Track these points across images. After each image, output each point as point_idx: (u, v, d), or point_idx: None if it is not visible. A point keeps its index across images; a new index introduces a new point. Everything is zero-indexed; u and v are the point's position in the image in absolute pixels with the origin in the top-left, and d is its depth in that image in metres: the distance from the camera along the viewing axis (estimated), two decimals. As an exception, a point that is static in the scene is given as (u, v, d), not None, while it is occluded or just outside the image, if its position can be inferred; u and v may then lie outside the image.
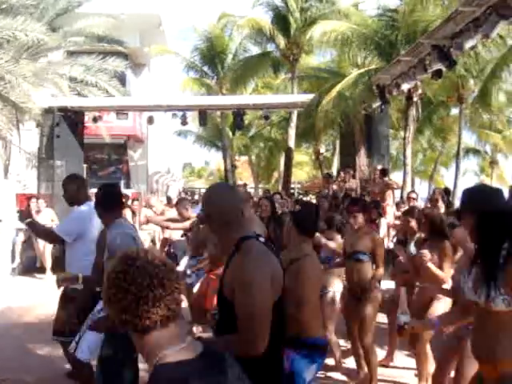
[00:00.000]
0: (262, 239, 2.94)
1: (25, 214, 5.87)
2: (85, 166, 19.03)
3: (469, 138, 35.30)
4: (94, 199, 4.93)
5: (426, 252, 5.72)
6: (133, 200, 15.32)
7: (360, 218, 6.48)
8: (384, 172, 14.03)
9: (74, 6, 18.89)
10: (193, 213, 8.70)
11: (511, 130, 35.17)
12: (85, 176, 18.32)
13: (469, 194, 3.49)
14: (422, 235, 6.70)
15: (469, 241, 4.39)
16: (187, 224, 8.52)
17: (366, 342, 6.02)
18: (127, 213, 15.32)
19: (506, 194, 12.46)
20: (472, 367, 4.17)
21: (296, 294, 3.87)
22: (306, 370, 3.80)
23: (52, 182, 17.18)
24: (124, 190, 19.92)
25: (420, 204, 13.98)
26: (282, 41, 23.83)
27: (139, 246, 4.37)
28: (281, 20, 24.09)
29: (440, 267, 5.78)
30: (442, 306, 5.77)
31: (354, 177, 17.03)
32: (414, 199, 12.51)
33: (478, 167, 43.66)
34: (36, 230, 6.04)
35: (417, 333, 5.16)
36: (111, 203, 4.61)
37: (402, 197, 15.69)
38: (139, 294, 1.76)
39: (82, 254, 5.42)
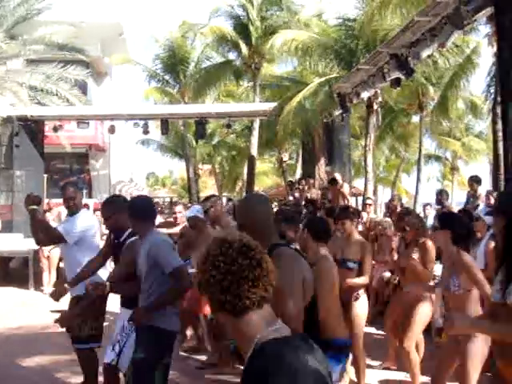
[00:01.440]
0: (292, 246, 3.11)
1: (32, 199, 5.55)
2: (45, 176, 18.76)
3: (430, 145, 35.87)
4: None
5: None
6: (94, 210, 15.17)
7: (348, 224, 6.60)
8: (334, 182, 14.08)
9: (34, 13, 18.63)
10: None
11: (470, 137, 35.83)
12: (45, 186, 18.11)
13: (502, 197, 3.61)
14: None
15: (450, 243, 4.57)
16: (177, 229, 8.62)
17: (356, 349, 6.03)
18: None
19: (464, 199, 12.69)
20: (476, 371, 4.40)
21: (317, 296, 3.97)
22: (334, 370, 3.85)
23: (11, 193, 16.91)
24: (86, 200, 19.75)
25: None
26: (243, 49, 23.89)
27: (177, 254, 4.50)
28: (242, 28, 24.15)
29: (423, 266, 6.07)
30: (425, 308, 6.09)
31: (314, 185, 17.13)
32: (369, 205, 12.65)
33: (439, 173, 44.32)
34: (35, 220, 5.66)
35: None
36: (145, 214, 4.60)
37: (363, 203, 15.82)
38: (240, 274, 1.82)
39: (81, 258, 5.53)
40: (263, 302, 1.87)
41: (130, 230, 4.98)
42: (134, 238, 4.90)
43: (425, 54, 11.16)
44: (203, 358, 7.47)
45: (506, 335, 3.08)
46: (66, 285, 5.19)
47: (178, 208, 9.83)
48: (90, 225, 5.84)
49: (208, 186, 45.39)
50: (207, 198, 7.73)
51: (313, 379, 1.74)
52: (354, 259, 6.39)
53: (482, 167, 36.78)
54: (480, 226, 7.23)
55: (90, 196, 25.87)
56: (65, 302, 5.57)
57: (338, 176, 13.51)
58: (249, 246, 1.89)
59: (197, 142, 29.88)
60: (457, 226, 4.77)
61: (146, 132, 20.49)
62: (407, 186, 43.39)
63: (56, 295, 5.14)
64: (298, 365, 1.74)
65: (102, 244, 5.74)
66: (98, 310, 5.46)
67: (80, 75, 18.92)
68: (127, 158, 35.73)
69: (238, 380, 1.89)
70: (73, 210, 5.87)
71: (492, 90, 21.91)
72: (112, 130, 20.22)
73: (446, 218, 5.09)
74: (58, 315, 5.20)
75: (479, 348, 4.45)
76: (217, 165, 39.34)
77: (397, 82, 13.10)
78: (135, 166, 41.48)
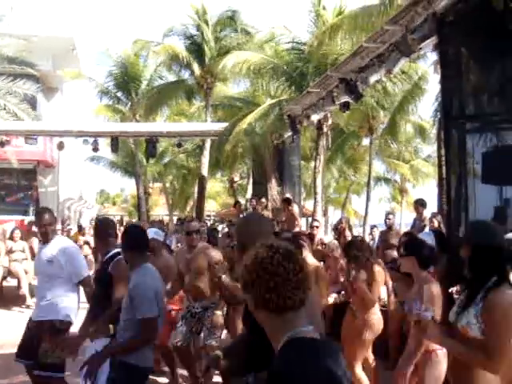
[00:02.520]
0: None
1: None
2: (-9, 191, 18.37)
3: (379, 167, 36.47)
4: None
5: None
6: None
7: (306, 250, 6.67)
8: (288, 201, 14.19)
9: (-16, 25, 18.35)
10: None
11: (418, 160, 36.56)
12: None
13: (470, 226, 3.76)
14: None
15: (417, 268, 4.81)
16: None
17: None
18: (34, 241, 14.90)
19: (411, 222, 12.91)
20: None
21: None
22: None
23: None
24: (32, 218, 19.32)
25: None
26: (196, 69, 23.91)
27: (154, 301, 4.29)
28: (196, 48, 24.20)
29: (369, 290, 6.12)
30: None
31: (266, 207, 17.17)
32: (316, 227, 12.72)
33: (389, 195, 45.04)
34: None
35: None
36: (139, 245, 4.49)
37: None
38: (286, 276, 2.02)
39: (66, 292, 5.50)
40: (301, 305, 2.07)
41: (113, 252, 4.94)
42: (121, 257, 4.84)
43: (373, 79, 11.39)
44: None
45: (466, 356, 3.23)
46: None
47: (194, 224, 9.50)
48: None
49: (159, 205, 45.05)
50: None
51: (326, 378, 1.92)
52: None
53: (430, 190, 37.55)
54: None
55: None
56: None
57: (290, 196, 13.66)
58: (293, 252, 2.11)
59: (147, 160, 29.67)
60: (422, 251, 4.86)
61: (95, 149, 20.28)
62: (357, 207, 43.97)
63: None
64: (313, 363, 1.93)
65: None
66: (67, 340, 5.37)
67: (30, 90, 18.63)
68: (77, 175, 35.15)
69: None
70: (49, 237, 5.68)
71: (439, 116, 22.57)
72: (61, 146, 19.96)
73: (410, 245, 5.22)
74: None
75: (437, 372, 4.60)
76: (168, 183, 39.16)
77: (345, 106, 13.32)
78: (85, 183, 40.77)
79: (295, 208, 13.46)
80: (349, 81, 11.73)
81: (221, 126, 20.12)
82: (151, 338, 4.22)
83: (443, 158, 11.89)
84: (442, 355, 4.77)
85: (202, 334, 6.71)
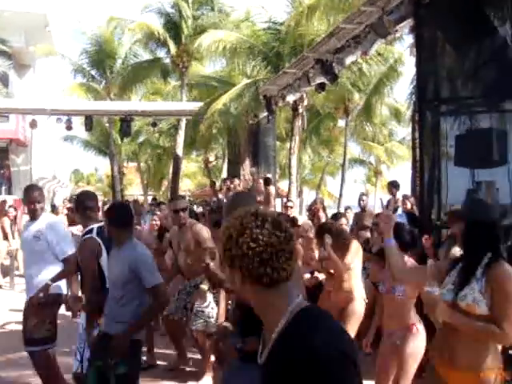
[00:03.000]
0: None
1: None
2: (-38, 170, 18.09)
3: (354, 149, 36.61)
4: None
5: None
6: (9, 206, 14.67)
7: None
8: (267, 181, 14.20)
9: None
10: None
11: (393, 142, 36.77)
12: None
13: (464, 203, 3.81)
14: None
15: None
16: None
17: None
18: (5, 220, 14.74)
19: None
20: (413, 371, 4.62)
21: None
22: None
23: None
24: (5, 197, 19.11)
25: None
26: (172, 47, 23.64)
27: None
28: (172, 26, 23.89)
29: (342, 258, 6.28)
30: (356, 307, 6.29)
31: (239, 185, 17.15)
32: (290, 208, 12.76)
33: (364, 177, 45.32)
34: None
35: None
36: (124, 221, 4.48)
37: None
38: (279, 246, 1.85)
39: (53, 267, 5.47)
40: (291, 275, 1.92)
41: (88, 228, 4.90)
42: (89, 237, 4.81)
43: (349, 60, 11.39)
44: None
45: (479, 330, 3.27)
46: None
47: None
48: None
49: (133, 184, 44.75)
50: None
51: (351, 347, 1.85)
52: None
53: (404, 172, 37.89)
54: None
55: (9, 192, 25.00)
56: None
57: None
58: (281, 219, 1.94)
59: (122, 139, 29.41)
60: (401, 235, 4.89)
61: (69, 128, 20.05)
62: (332, 188, 44.16)
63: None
64: (334, 326, 1.89)
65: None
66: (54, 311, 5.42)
67: (1, 66, 18.34)
68: (50, 154, 34.74)
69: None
70: (37, 213, 5.63)
71: (414, 98, 22.67)
72: (34, 124, 19.72)
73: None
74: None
75: (417, 348, 4.68)
76: (142, 163, 38.88)
77: (321, 87, 13.30)
78: (59, 162, 40.36)
79: (272, 189, 13.50)
80: (325, 62, 11.71)
81: (196, 106, 20.01)
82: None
83: (417, 141, 11.99)
84: (421, 330, 4.88)
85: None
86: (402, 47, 19.90)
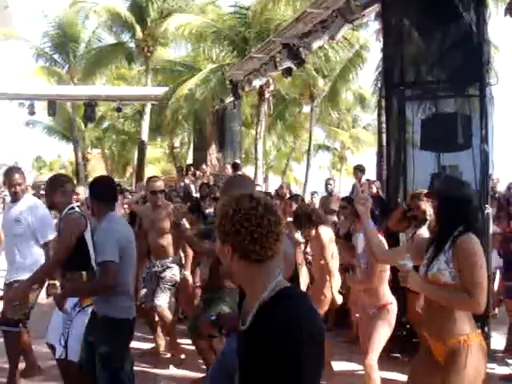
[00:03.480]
0: None
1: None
2: None
3: (319, 135, 36.82)
4: None
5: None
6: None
7: None
8: (235, 166, 14.23)
9: None
10: None
11: (357, 128, 37.10)
12: None
13: (435, 181, 3.90)
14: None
15: None
16: None
17: None
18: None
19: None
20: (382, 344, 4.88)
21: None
22: None
23: None
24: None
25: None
26: (137, 31, 23.34)
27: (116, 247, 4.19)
28: (137, 9, 23.58)
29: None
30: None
31: (205, 173, 17.14)
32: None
33: (329, 162, 45.61)
34: None
35: None
36: (104, 195, 4.43)
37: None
38: (269, 228, 2.06)
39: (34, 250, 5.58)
40: (276, 255, 2.12)
41: (68, 207, 4.79)
42: (74, 211, 4.72)
43: (316, 45, 11.38)
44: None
45: (449, 299, 3.42)
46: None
47: (80, 190, 8.85)
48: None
49: (97, 171, 44.31)
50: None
51: (320, 327, 2.07)
52: None
53: (369, 158, 38.22)
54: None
55: (-30, 179, 24.51)
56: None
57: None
58: (273, 204, 2.15)
59: (86, 125, 29.07)
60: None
61: (31, 113, 19.81)
62: (297, 174, 44.35)
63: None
64: (309, 306, 2.08)
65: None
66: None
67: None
68: (11, 140, 34.21)
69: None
70: (19, 196, 5.61)
71: (380, 85, 22.84)
72: (-6, 109, 19.34)
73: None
74: None
75: (390, 325, 4.95)
76: (106, 149, 38.48)
77: (288, 72, 13.33)
78: (21, 148, 39.66)
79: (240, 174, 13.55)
80: (292, 46, 11.71)
81: (161, 91, 19.91)
82: (110, 284, 4.10)
83: (383, 126, 12.13)
84: (394, 309, 5.09)
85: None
86: (367, 33, 19.93)
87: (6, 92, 18.54)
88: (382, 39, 11.89)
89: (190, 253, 7.02)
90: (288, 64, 12.65)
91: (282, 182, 13.51)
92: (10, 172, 5.68)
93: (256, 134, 18.11)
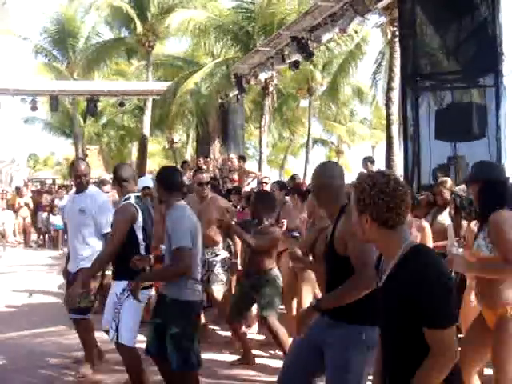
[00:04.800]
0: None
1: None
2: None
3: (316, 129, 36.88)
4: None
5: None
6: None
7: None
8: (242, 159, 14.35)
9: None
10: None
11: (353, 122, 37.22)
12: None
13: (474, 167, 4.27)
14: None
15: None
16: None
17: None
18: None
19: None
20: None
21: None
22: None
23: None
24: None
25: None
26: (138, 26, 23.28)
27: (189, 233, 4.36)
28: (138, 5, 23.47)
29: None
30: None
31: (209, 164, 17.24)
32: (266, 184, 12.91)
33: (325, 156, 45.65)
34: None
35: None
36: (172, 185, 4.52)
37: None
38: (401, 197, 2.43)
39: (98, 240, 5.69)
40: (406, 220, 2.52)
41: (125, 197, 4.97)
42: (126, 202, 4.88)
43: (325, 38, 11.54)
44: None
45: (493, 271, 3.71)
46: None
47: (107, 188, 8.81)
48: None
49: (94, 167, 44.23)
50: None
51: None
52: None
53: (365, 151, 38.33)
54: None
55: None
56: None
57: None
58: (399, 178, 2.53)
59: (85, 120, 29.05)
60: None
61: (34, 108, 19.79)
62: (294, 168, 44.40)
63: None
64: (438, 259, 2.49)
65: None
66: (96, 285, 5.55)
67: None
68: (10, 137, 34.19)
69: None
70: (84, 187, 5.68)
71: (378, 78, 23.00)
72: (-5, 106, 19.36)
73: None
74: None
75: None
76: (104, 145, 38.42)
77: (295, 65, 13.47)
78: (18, 145, 39.63)
79: (246, 166, 13.70)
80: (300, 39, 11.84)
81: (164, 85, 19.93)
82: (185, 267, 4.26)
83: (391, 117, 12.30)
84: None
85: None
86: (367, 26, 20.02)
87: (7, 87, 18.53)
88: (390, 31, 12.09)
89: (238, 241, 7.12)
90: (296, 57, 12.79)
91: (294, 175, 13.61)
92: (76, 163, 5.81)
93: (260, 127, 18.23)
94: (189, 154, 31.91)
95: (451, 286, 2.42)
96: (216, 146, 19.49)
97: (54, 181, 43.44)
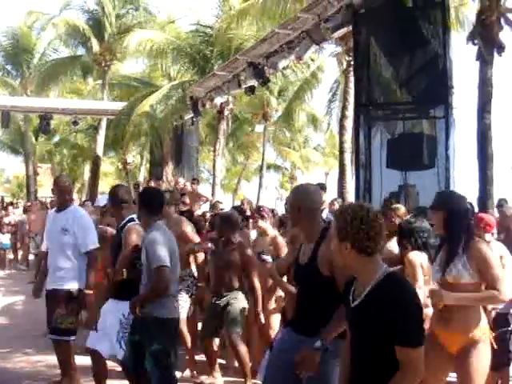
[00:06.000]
0: None
1: None
2: None
3: (270, 155, 37.12)
4: None
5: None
6: None
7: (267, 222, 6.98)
8: (196, 181, 14.33)
9: None
10: None
11: (307, 149, 37.59)
12: None
13: (441, 195, 4.33)
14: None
15: None
16: None
17: None
18: None
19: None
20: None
21: None
22: None
23: None
24: None
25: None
26: (94, 45, 23.12)
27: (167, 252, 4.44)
28: (95, 24, 23.38)
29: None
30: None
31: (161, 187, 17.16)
32: (221, 210, 12.92)
33: (278, 182, 45.88)
34: None
35: None
36: (151, 205, 4.59)
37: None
38: (379, 228, 2.68)
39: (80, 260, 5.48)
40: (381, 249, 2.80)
41: (127, 218, 5.02)
42: (132, 223, 4.93)
43: (282, 64, 11.71)
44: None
45: (477, 299, 3.87)
46: None
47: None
48: None
49: (45, 186, 43.44)
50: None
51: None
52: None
53: (318, 178, 38.67)
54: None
55: None
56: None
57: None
58: (376, 212, 2.78)
59: (37, 138, 28.60)
60: None
61: (-14, 124, 19.44)
62: (246, 192, 44.49)
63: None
64: (411, 287, 2.78)
65: None
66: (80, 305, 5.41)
67: None
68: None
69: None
70: (67, 204, 5.50)
71: (333, 106, 23.37)
72: None
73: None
74: None
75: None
76: (56, 164, 37.82)
77: (251, 90, 13.59)
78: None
79: (198, 189, 13.68)
80: (257, 65, 11.97)
81: (119, 106, 19.84)
82: (165, 287, 4.37)
83: (345, 145, 12.50)
84: None
85: None
86: (323, 55, 20.40)
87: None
88: (346, 61, 12.35)
89: (202, 264, 7.00)
90: (252, 82, 12.91)
91: (244, 199, 13.65)
92: (60, 179, 5.72)
93: (215, 151, 18.27)
94: (142, 175, 31.72)
95: (422, 309, 2.66)
96: (169, 169, 19.45)
97: (2, 198, 42.42)
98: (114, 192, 5.26)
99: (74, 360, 5.52)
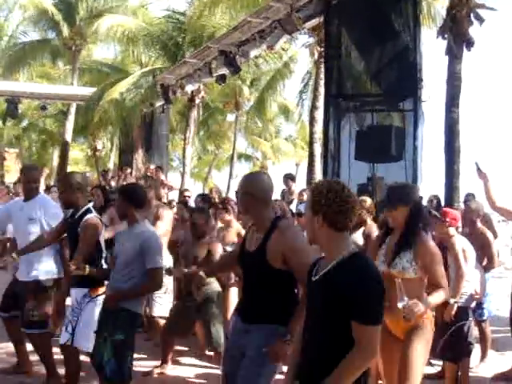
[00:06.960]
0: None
1: None
2: None
3: (241, 144, 37.07)
4: None
5: None
6: None
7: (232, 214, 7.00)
8: (160, 169, 14.22)
9: None
10: None
11: (278, 139, 37.62)
12: None
13: (398, 190, 4.22)
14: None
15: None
16: None
17: None
18: None
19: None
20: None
21: None
22: None
23: None
24: None
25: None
26: (64, 29, 22.71)
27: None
28: (66, 7, 22.90)
29: None
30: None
31: (130, 174, 17.00)
32: (188, 197, 12.86)
33: (248, 171, 45.85)
34: None
35: None
36: (139, 202, 4.59)
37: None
38: (353, 204, 2.71)
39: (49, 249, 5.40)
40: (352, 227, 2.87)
41: (85, 208, 4.91)
42: (91, 216, 4.86)
43: (253, 53, 11.65)
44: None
45: (440, 298, 3.89)
46: (13, 254, 5.26)
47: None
48: None
49: (12, 171, 42.80)
50: None
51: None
52: None
53: (289, 168, 38.71)
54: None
55: None
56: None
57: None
58: (351, 191, 2.78)
59: (4, 122, 28.10)
60: None
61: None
62: (217, 182, 44.38)
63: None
64: (375, 267, 2.78)
65: None
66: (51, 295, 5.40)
67: None
68: None
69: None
70: (34, 194, 5.41)
71: (304, 97, 23.38)
72: None
73: None
74: None
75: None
76: (24, 149, 37.23)
77: (222, 79, 13.50)
78: None
79: (161, 176, 13.61)
80: (228, 53, 11.89)
81: (88, 91, 19.58)
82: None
83: (315, 136, 12.51)
84: None
85: None
86: (296, 46, 20.37)
87: None
88: (317, 52, 12.34)
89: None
90: (223, 71, 12.83)
91: (213, 187, 13.59)
92: (29, 169, 5.69)
93: (185, 139, 18.17)
94: (112, 162, 31.40)
95: (383, 288, 2.66)
96: (139, 156, 19.29)
97: (-33, 183, 41.67)
98: (67, 177, 5.20)
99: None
